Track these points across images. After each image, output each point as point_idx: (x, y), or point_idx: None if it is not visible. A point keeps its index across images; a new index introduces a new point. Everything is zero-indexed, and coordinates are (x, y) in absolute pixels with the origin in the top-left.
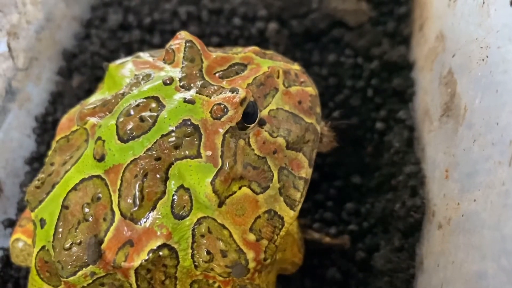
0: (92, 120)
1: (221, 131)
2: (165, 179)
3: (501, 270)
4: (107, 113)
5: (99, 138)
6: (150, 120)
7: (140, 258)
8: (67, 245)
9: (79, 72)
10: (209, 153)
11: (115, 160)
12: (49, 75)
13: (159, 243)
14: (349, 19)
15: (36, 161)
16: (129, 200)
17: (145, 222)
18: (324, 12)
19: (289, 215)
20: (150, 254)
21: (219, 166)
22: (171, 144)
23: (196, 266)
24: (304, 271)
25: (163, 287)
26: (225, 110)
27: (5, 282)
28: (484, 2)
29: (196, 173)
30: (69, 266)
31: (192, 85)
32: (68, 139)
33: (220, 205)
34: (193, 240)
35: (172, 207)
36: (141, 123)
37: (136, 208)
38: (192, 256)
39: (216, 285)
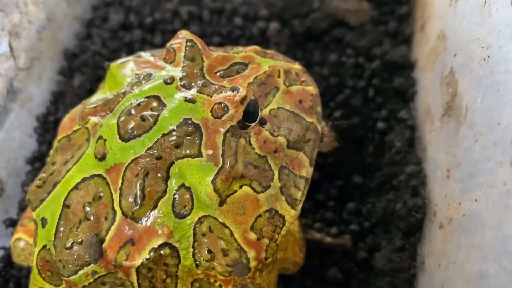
0: (94, 119)
1: (222, 130)
2: (166, 178)
3: (503, 270)
4: (108, 112)
5: (100, 137)
6: (151, 119)
7: (141, 257)
8: (69, 244)
9: (81, 71)
10: (210, 152)
11: (116, 159)
12: (51, 75)
13: (160, 242)
14: (350, 19)
15: (37, 160)
16: (130, 199)
17: (146, 221)
18: (325, 11)
19: (290, 214)
20: (151, 253)
21: (220, 165)
22: (172, 143)
23: (197, 265)
24: (305, 271)
25: (164, 286)
26: (226, 109)
27: (6, 282)
28: (485, 2)
29: (197, 172)
30: (71, 265)
31: (193, 84)
32: (69, 139)
33: (221, 204)
34: (194, 239)
35: (173, 206)
36: (142, 122)
37: (137, 207)
38: (193, 255)
39: (217, 284)
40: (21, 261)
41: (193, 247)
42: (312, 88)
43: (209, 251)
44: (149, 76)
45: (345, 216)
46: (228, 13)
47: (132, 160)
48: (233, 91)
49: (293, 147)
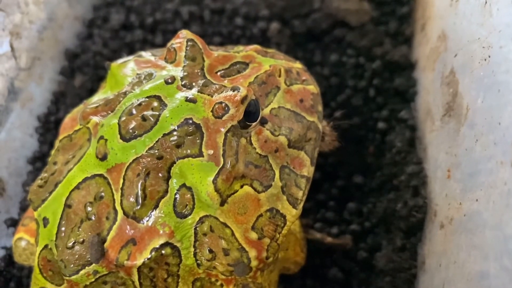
0: (95, 119)
1: (223, 130)
2: (167, 178)
3: (503, 270)
4: (110, 112)
5: (101, 137)
6: (152, 119)
7: (143, 256)
8: (70, 244)
9: (82, 71)
10: (211, 152)
11: (117, 159)
12: (52, 75)
13: (161, 241)
14: (351, 19)
15: (39, 160)
16: (132, 199)
17: (147, 221)
18: (326, 11)
19: (291, 214)
20: (153, 253)
21: (221, 165)
22: (173, 143)
23: (198, 265)
24: (306, 271)
25: (166, 285)
26: (227, 108)
27: (8, 281)
28: (486, 2)
29: (198, 171)
30: (72, 265)
31: (193, 84)
32: (71, 138)
33: (222, 203)
34: (196, 238)
35: (174, 205)
36: (143, 122)
37: (138, 206)
38: (195, 254)
39: (218, 283)
40: (22, 261)
41: (194, 246)
42: (313, 87)
43: (210, 251)
44: (150, 76)
45: (346, 216)
46: (229, 13)
47: (133, 160)
48: (233, 91)
49: (294, 147)
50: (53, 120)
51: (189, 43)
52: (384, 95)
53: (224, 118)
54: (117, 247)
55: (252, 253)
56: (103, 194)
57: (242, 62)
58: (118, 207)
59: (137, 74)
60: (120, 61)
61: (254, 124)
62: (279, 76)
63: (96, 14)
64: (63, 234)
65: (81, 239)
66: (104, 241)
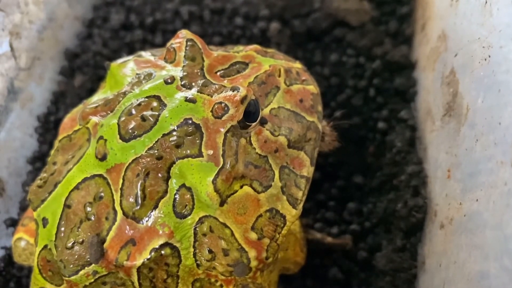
0: (94, 119)
1: (223, 130)
2: (167, 178)
3: (504, 270)
4: (109, 112)
5: (101, 137)
6: (152, 119)
7: (142, 257)
8: (69, 244)
9: (81, 71)
10: (211, 152)
11: (117, 159)
12: (51, 75)
13: (161, 242)
14: (351, 19)
15: (38, 160)
16: (131, 199)
17: (147, 221)
18: (326, 11)
19: (291, 214)
20: (152, 253)
21: (220, 165)
22: (172, 143)
23: (198, 265)
24: (306, 271)
25: (165, 286)
26: (226, 108)
27: (7, 281)
28: (486, 2)
29: (197, 172)
30: (71, 265)
31: (193, 84)
32: (70, 139)
33: (221, 204)
34: (195, 239)
35: (174, 206)
36: (142, 122)
37: (138, 207)
38: (194, 255)
39: (218, 283)
40: (22, 261)
41: (194, 247)
42: (313, 87)
43: (210, 251)
44: (149, 76)
45: (346, 216)
46: (229, 13)
47: (133, 160)
48: (233, 91)
49: (294, 147)
50: (53, 120)
51: (188, 43)
52: (384, 95)
53: (223, 118)
54: (117, 248)
55: (252, 254)
56: (102, 194)
57: (241, 62)
58: (117, 208)
59: (137, 74)
60: (119, 61)
61: (253, 124)
62: (279, 76)
63: (96, 14)
64: (62, 234)
65: (81, 240)
66: (103, 241)
